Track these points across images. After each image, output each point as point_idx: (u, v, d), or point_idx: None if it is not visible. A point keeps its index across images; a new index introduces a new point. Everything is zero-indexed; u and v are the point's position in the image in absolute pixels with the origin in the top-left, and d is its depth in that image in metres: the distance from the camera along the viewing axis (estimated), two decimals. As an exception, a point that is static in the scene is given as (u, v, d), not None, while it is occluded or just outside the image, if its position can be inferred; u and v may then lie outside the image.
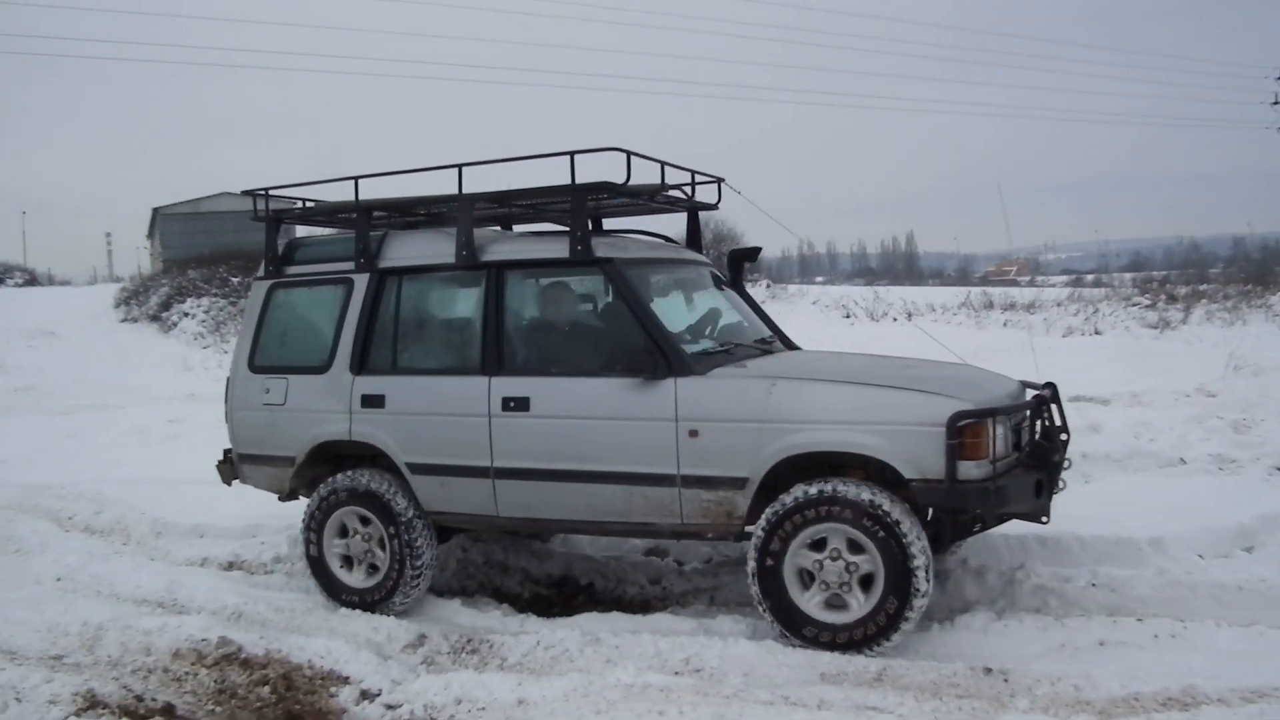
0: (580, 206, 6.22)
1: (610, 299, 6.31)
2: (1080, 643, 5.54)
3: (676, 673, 5.31)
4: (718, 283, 7.29)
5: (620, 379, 5.91)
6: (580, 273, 6.42)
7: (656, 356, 5.83)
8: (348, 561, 6.79)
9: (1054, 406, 6.12)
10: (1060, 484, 6.01)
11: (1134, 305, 27.36)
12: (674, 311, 6.58)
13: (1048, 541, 6.60)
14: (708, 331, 6.67)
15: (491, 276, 6.39)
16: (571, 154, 6.04)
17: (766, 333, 7.12)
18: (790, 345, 7.28)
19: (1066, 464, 6.05)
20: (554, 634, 5.85)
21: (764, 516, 5.59)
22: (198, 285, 34.99)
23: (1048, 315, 27.09)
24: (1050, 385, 6.31)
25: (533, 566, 7.42)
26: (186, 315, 32.11)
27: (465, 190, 6.46)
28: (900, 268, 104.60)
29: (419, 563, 6.51)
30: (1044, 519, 5.80)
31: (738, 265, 7.61)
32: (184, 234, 51.29)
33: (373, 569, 6.69)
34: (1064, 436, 6.08)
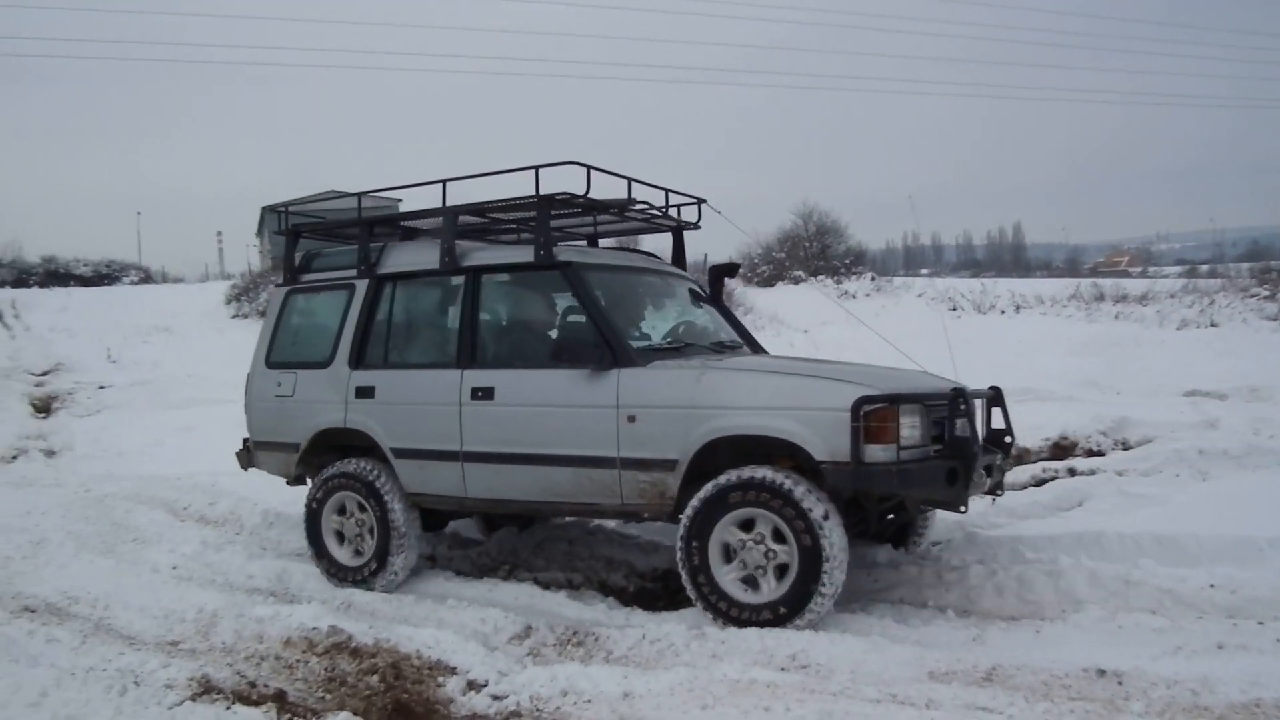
0: (544, 214, 6.76)
1: (569, 298, 6.82)
2: (1197, 646, 5.37)
3: (783, 668, 5.27)
4: (697, 298, 7.85)
5: (572, 370, 6.41)
6: (545, 275, 6.94)
7: (604, 349, 6.34)
8: (351, 548, 7.38)
9: (997, 409, 6.69)
10: (999, 491, 6.52)
11: (1252, 296, 26.57)
12: (635, 314, 7.21)
13: (1164, 540, 6.47)
14: (678, 333, 7.28)
15: (469, 280, 7.05)
16: (536, 168, 6.60)
17: (736, 339, 7.64)
18: (762, 352, 7.80)
19: (1007, 464, 6.58)
20: (660, 627, 5.84)
21: (690, 504, 5.98)
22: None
23: (1160, 307, 26.42)
24: (995, 388, 6.77)
25: (638, 560, 7.42)
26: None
27: (450, 203, 7.14)
28: (1007, 259, 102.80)
29: (401, 542, 7.09)
30: (961, 509, 6.11)
31: (718, 280, 8.11)
32: (293, 232, 52.09)
33: (359, 551, 7.31)
34: (1007, 439, 6.68)
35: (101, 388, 18.43)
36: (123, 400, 17.22)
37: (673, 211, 7.84)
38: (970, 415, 6.08)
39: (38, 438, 13.82)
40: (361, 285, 7.53)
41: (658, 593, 7.02)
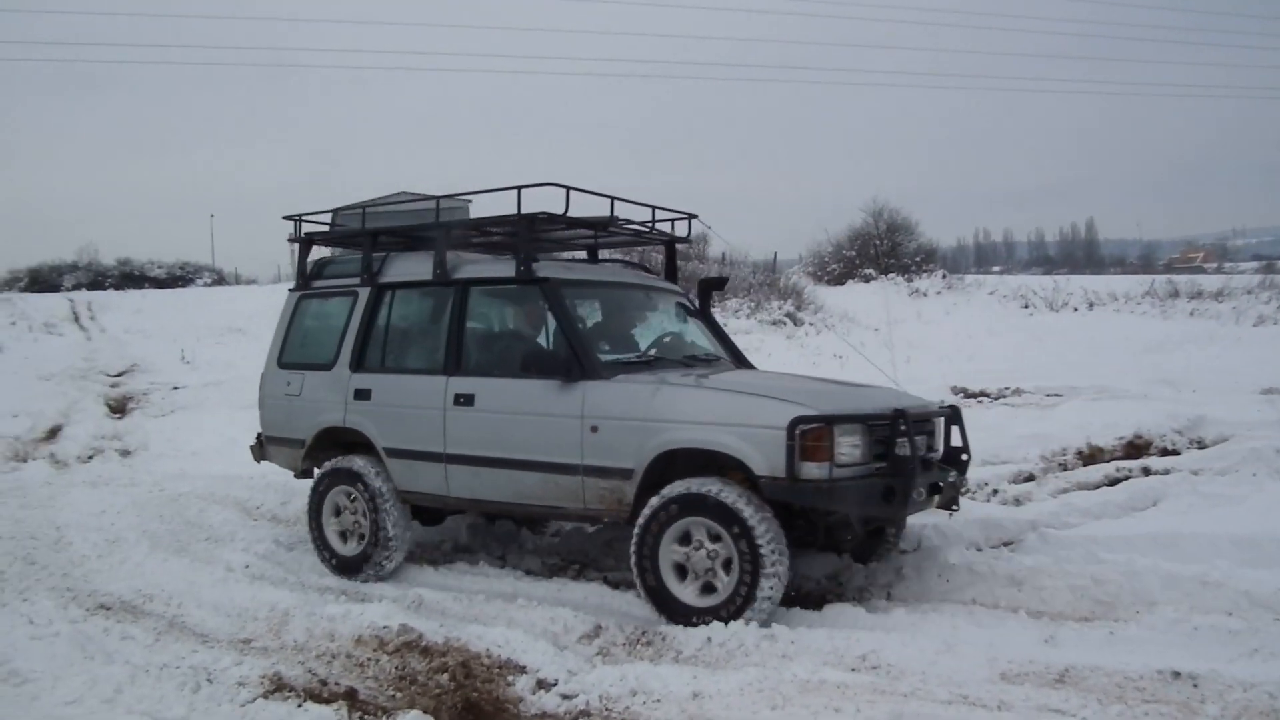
0: (525, 232, 7.23)
1: (545, 312, 7.17)
2: (1275, 648, 5.27)
3: (853, 669, 5.24)
4: (686, 310, 8.31)
5: (544, 380, 6.78)
6: (525, 289, 7.32)
7: (573, 362, 6.72)
8: (344, 537, 7.82)
9: (954, 427, 6.99)
10: (954, 506, 6.73)
11: (1331, 291, 26.17)
12: (610, 328, 7.64)
13: (1240, 541, 6.37)
14: (663, 344, 7.69)
15: (458, 291, 7.49)
16: (518, 188, 7.07)
17: (714, 353, 7.99)
18: (748, 365, 8.17)
19: (962, 481, 6.83)
20: (729, 628, 5.81)
21: (643, 512, 6.29)
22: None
23: (1237, 303, 26.02)
24: (953, 408, 7.11)
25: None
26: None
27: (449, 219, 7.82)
28: (1080, 255, 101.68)
29: (392, 534, 7.49)
30: (894, 526, 7.05)
31: (706, 293, 8.55)
32: (364, 234, 52.57)
33: (360, 538, 7.68)
34: (964, 456, 6.96)
35: (175, 388, 18.70)
36: (196, 401, 17.44)
37: (671, 222, 8.23)
38: (910, 436, 6.19)
39: (113, 438, 14.03)
40: (364, 293, 7.99)
41: (727, 592, 6.99)
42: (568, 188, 7.03)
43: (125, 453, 12.84)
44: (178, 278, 44.94)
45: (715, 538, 6.05)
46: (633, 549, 6.29)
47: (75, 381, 20.11)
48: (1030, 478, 9.39)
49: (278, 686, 5.31)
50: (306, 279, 8.56)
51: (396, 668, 5.61)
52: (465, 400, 7.17)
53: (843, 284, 33.82)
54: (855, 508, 6.23)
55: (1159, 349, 18.95)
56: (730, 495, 5.98)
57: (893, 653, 5.33)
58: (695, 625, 5.94)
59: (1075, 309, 26.76)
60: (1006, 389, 14.70)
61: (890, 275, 33.50)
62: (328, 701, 5.17)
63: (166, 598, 6.98)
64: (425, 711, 5.03)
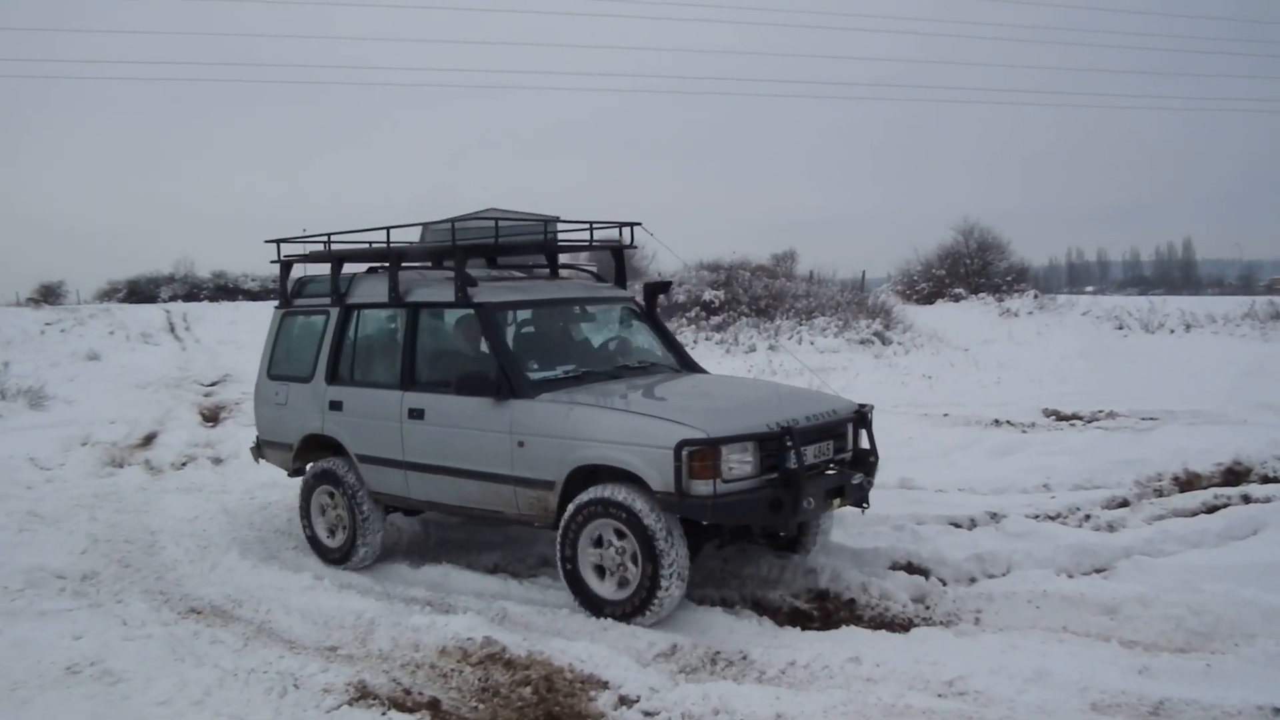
0: (461, 262, 7.77)
1: (481, 335, 7.69)
2: (1381, 684, 5.13)
3: (939, 695, 5.17)
4: (634, 315, 8.86)
5: (480, 398, 7.32)
6: (464, 312, 7.89)
7: (504, 382, 7.27)
8: (329, 531, 8.55)
9: (863, 431, 7.42)
10: (864, 505, 7.16)
11: None
12: (544, 346, 8.10)
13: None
14: (608, 349, 8.40)
15: (410, 313, 8.10)
16: (453, 221, 8.03)
17: (652, 359, 8.50)
18: (694, 368, 8.60)
19: (868, 482, 7.16)
20: (814, 649, 5.76)
21: (564, 516, 6.87)
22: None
23: (1343, 325, 25.38)
24: (859, 413, 7.45)
25: (794, 580, 7.32)
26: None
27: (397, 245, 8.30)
28: (1176, 276, 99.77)
29: (368, 529, 8.23)
30: (782, 534, 7.55)
31: (651, 296, 8.99)
32: (453, 248, 52.99)
33: (336, 536, 8.45)
34: (871, 459, 7.37)
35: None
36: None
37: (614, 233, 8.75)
38: (797, 450, 6.57)
39: (206, 446, 14.23)
40: (334, 312, 8.66)
41: (812, 614, 6.91)
42: (496, 219, 7.92)
43: (217, 460, 13.02)
44: (270, 290, 45.64)
45: (622, 537, 6.62)
46: (557, 548, 6.91)
47: (170, 390, 20.49)
48: (1124, 503, 9.20)
49: (362, 694, 5.37)
50: (288, 298, 9.29)
51: (480, 679, 5.63)
52: (417, 414, 7.81)
53: (932, 303, 33.50)
54: (742, 520, 6.87)
55: (1259, 373, 18.46)
56: (632, 500, 6.52)
57: (981, 680, 5.25)
58: (608, 618, 6.59)
59: (1171, 331, 26.21)
60: (1100, 412, 14.44)
61: (980, 295, 33.13)
62: (411, 711, 5.21)
63: (255, 603, 7.07)
64: (507, 724, 5.04)
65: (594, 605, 6.74)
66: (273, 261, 9.19)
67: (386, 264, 8.47)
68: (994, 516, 8.68)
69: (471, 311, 7.74)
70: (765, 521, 6.80)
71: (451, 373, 7.61)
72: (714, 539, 7.36)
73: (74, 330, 30.95)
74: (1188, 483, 9.67)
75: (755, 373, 20.56)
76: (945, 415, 14.54)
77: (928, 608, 6.89)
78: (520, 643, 6.02)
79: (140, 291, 46.91)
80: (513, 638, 6.11)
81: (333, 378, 8.54)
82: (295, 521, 9.37)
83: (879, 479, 7.53)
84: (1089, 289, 64.15)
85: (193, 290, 46.67)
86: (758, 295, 29.27)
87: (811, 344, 25.05)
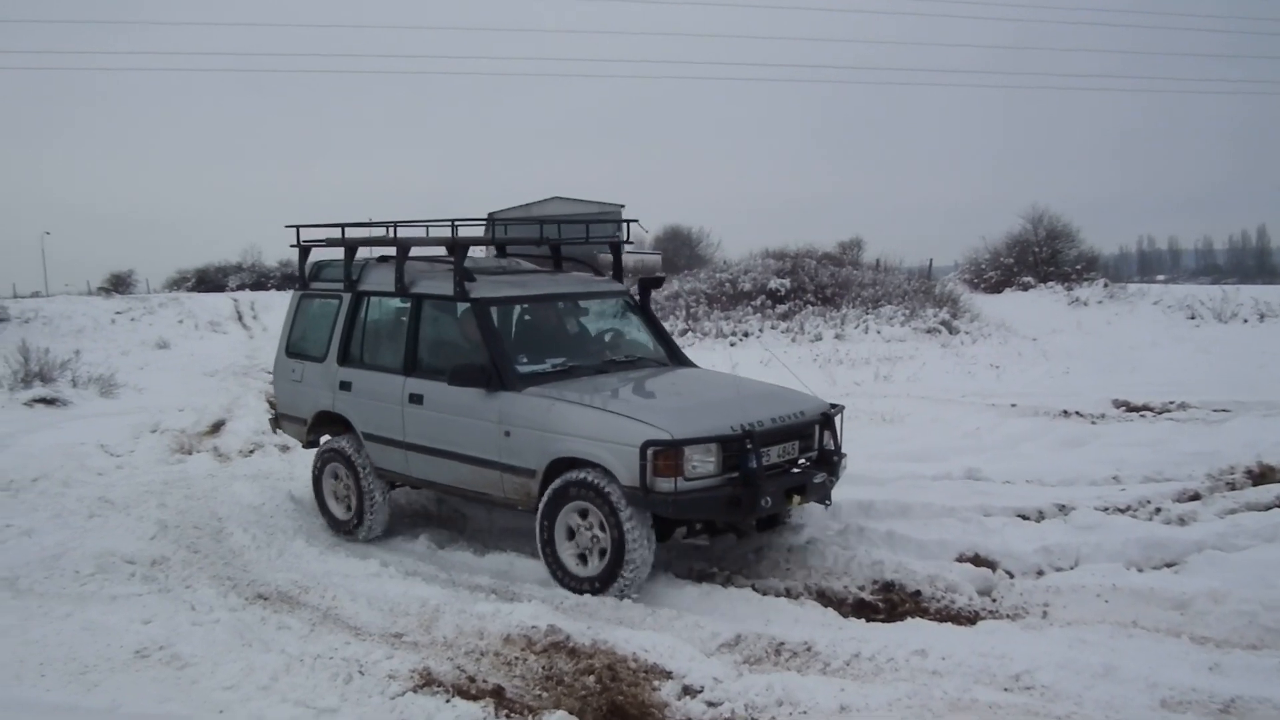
0: (460, 257, 8.19)
1: (476, 328, 8.05)
2: None
3: (1006, 689, 5.12)
4: (629, 307, 9.31)
5: (474, 389, 7.75)
6: (462, 305, 8.20)
7: (494, 374, 7.71)
8: (341, 504, 9.11)
9: (827, 431, 7.75)
10: (827, 501, 7.65)
11: None
12: (537, 340, 8.60)
13: None
14: (604, 341, 8.94)
15: (414, 303, 8.53)
16: (453, 221, 8.56)
17: (640, 354, 8.91)
18: (683, 361, 9.02)
19: (831, 481, 7.55)
20: (879, 641, 5.72)
21: (543, 498, 7.36)
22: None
23: None
24: (824, 415, 7.80)
25: (859, 572, 7.27)
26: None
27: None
28: (1250, 264, 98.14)
29: (374, 503, 8.76)
30: (741, 529, 8.02)
31: (645, 291, 9.35)
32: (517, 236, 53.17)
33: (348, 509, 9.01)
34: (835, 458, 7.71)
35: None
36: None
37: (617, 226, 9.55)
38: (756, 453, 6.92)
39: (273, 433, 14.37)
40: (346, 297, 9.12)
41: (877, 605, 6.87)
42: (490, 219, 8.90)
43: (285, 448, 13.11)
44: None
45: (599, 520, 7.08)
46: (537, 528, 7.36)
47: (238, 378, 20.73)
48: (1195, 496, 9.06)
49: (427, 681, 5.38)
50: (306, 281, 9.78)
51: (543, 668, 5.64)
52: (417, 399, 8.30)
53: (1000, 292, 33.19)
54: (702, 516, 7.29)
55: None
56: (605, 483, 6.98)
57: (1048, 674, 5.20)
58: (581, 593, 7.04)
59: (1245, 320, 25.83)
60: (1171, 403, 14.24)
61: (1049, 283, 32.77)
62: (475, 698, 5.22)
63: (322, 590, 7.12)
64: (571, 713, 5.05)
65: (570, 582, 7.21)
66: (292, 245, 9.62)
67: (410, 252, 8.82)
68: (1062, 509, 8.57)
69: (468, 305, 8.13)
70: (725, 517, 7.39)
71: (449, 362, 8.05)
72: (683, 525, 7.70)
73: (144, 319, 31.40)
74: (1261, 476, 9.50)
75: (821, 363, 20.49)
76: (1013, 405, 14.39)
77: (994, 600, 6.83)
78: (584, 631, 6.03)
79: (209, 280, 47.57)
80: (577, 626, 6.11)
81: (344, 359, 9.05)
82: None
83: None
84: (1160, 278, 63.36)
85: (260, 279, 47.21)
86: (824, 284, 29.13)
87: (878, 333, 24.90)
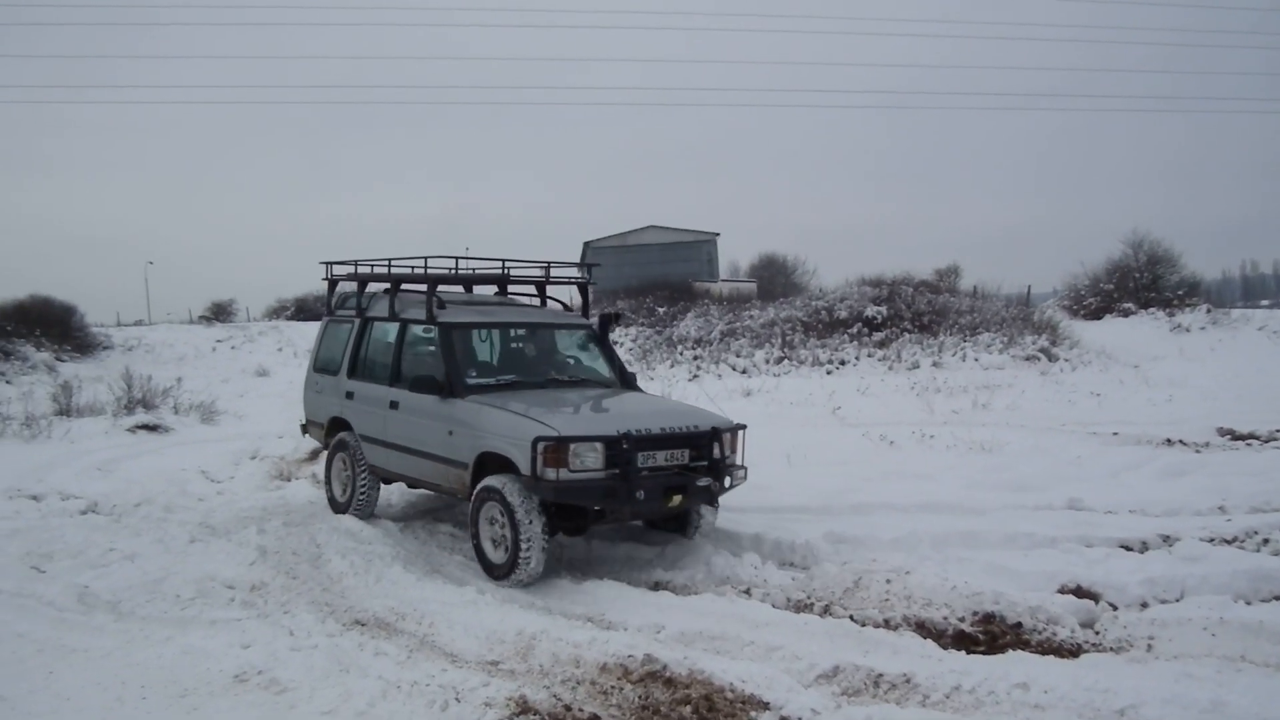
0: (431, 289, 9.75)
1: (443, 349, 9.51)
2: None
3: (1111, 724, 5.00)
4: (590, 338, 10.69)
5: (433, 396, 9.25)
6: (432, 329, 9.76)
7: (446, 385, 9.20)
8: (340, 488, 10.94)
9: (716, 443, 8.55)
10: (714, 503, 9.01)
11: None
12: (491, 358, 10.13)
13: None
14: (555, 364, 10.30)
15: (401, 327, 10.27)
16: (425, 259, 9.89)
17: (604, 373, 10.29)
18: (630, 385, 10.16)
19: (719, 486, 8.52)
20: (980, 674, 5.62)
21: (471, 500, 8.65)
22: (626, 315, 36.24)
23: None
24: (712, 429, 8.61)
25: (959, 603, 7.16)
26: (616, 344, 33.26)
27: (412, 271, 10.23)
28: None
29: (363, 491, 10.57)
30: (621, 517, 8.73)
31: (604, 325, 10.76)
32: (613, 265, 53.38)
33: (348, 492, 10.78)
34: (729, 465, 8.71)
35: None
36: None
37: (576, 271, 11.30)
38: (632, 453, 8.04)
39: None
40: (356, 322, 10.99)
41: (977, 637, 6.75)
42: (456, 258, 10.08)
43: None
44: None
45: (501, 515, 8.29)
46: (469, 519, 8.66)
47: (337, 404, 20.92)
48: (1306, 527, 8.82)
49: (523, 709, 5.38)
50: (331, 309, 11.72)
51: (640, 697, 5.61)
52: (395, 405, 9.92)
53: (1100, 318, 32.73)
54: (582, 502, 8.23)
55: None
56: (506, 487, 8.24)
57: (1154, 710, 5.09)
58: (497, 579, 8.29)
59: (1355, 346, 25.22)
60: (1278, 431, 13.92)
61: (1150, 309, 32.24)
62: (571, 727, 5.20)
63: (419, 617, 7.15)
64: (667, 743, 5.01)
65: (489, 569, 8.46)
66: (323, 279, 11.48)
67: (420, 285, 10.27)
68: (1166, 539, 8.41)
69: (434, 328, 9.67)
70: (602, 505, 8.27)
71: (419, 374, 9.54)
72: (601, 520, 8.79)
73: (244, 347, 31.99)
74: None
75: (918, 391, 20.35)
76: (1115, 434, 14.17)
77: (1097, 633, 6.69)
78: (681, 660, 5.98)
79: (307, 309, 48.19)
80: (673, 655, 6.07)
81: (351, 373, 10.86)
82: (459, 537, 9.58)
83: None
84: (1264, 302, 62.02)
85: (359, 307, 47.75)
86: (921, 311, 28.93)
87: (976, 360, 24.67)
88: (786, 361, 27.21)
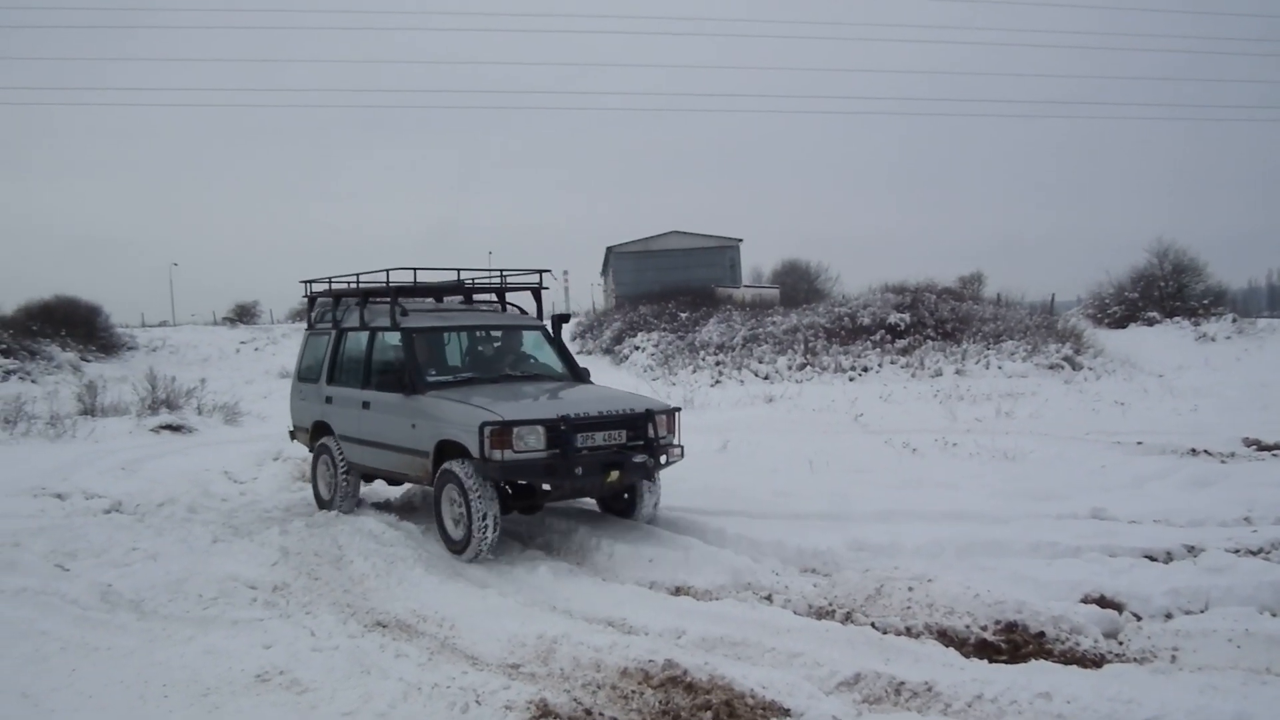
0: (394, 299, 10.77)
1: (406, 350, 10.55)
2: None
3: (1133, 736, 4.96)
4: (544, 338, 11.67)
5: (398, 394, 10.30)
6: (396, 334, 10.76)
7: (409, 382, 10.20)
8: (325, 487, 11.76)
9: (650, 424, 9.57)
10: (651, 478, 9.92)
11: None
12: (452, 358, 11.25)
13: None
14: (508, 362, 11.32)
15: (370, 334, 11.28)
16: (387, 270, 10.89)
17: (557, 368, 11.37)
18: (580, 379, 11.14)
19: (653, 462, 9.46)
20: (1002, 683, 5.58)
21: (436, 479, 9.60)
22: (648, 320, 36.27)
23: None
24: (646, 412, 9.65)
25: (981, 611, 7.12)
26: (637, 349, 33.31)
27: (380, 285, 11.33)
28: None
29: (346, 487, 11.43)
30: (565, 492, 9.77)
31: (556, 325, 11.80)
32: (635, 270, 53.39)
33: (331, 489, 11.61)
34: (664, 444, 9.70)
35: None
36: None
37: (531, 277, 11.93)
38: (569, 434, 9.02)
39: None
40: (332, 334, 12.03)
41: (1000, 646, 6.71)
42: (415, 269, 10.90)
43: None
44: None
45: (458, 495, 9.22)
46: (433, 502, 9.66)
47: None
48: (1333, 539, 8.74)
49: (543, 713, 5.37)
50: (312, 323, 12.79)
51: (660, 702, 5.60)
52: (367, 405, 10.92)
53: (1124, 327, 32.61)
54: (525, 478, 9.30)
55: None
56: (461, 470, 9.17)
57: (1172, 724, 5.03)
58: (456, 554, 9.26)
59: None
60: (1304, 443, 13.82)
61: (1175, 318, 32.10)
62: (591, 731, 5.20)
63: (439, 619, 7.17)
64: (687, 748, 4.99)
65: (450, 545, 9.42)
66: (304, 296, 12.70)
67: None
68: (1191, 550, 8.35)
69: (398, 333, 10.66)
70: (545, 481, 9.38)
71: (387, 376, 10.72)
72: (551, 498, 9.85)
73: (267, 349, 32.13)
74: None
75: (941, 398, 20.30)
76: (1139, 443, 14.09)
77: (1121, 643, 6.64)
78: (702, 666, 5.97)
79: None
80: (694, 660, 6.06)
81: (330, 380, 11.88)
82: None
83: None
84: (1291, 312, 61.60)
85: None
86: (944, 318, 28.86)
87: (999, 368, 24.59)
88: (809, 368, 27.17)
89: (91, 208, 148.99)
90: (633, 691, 5.74)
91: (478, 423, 8.90)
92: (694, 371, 28.81)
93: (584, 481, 9.27)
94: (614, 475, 9.22)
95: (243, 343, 36.84)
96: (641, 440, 9.52)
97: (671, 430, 9.92)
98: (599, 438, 9.30)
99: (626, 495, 10.34)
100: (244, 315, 51.38)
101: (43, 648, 6.59)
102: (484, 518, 8.97)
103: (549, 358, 11.52)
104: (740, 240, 58.62)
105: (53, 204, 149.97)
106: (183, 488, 12.88)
